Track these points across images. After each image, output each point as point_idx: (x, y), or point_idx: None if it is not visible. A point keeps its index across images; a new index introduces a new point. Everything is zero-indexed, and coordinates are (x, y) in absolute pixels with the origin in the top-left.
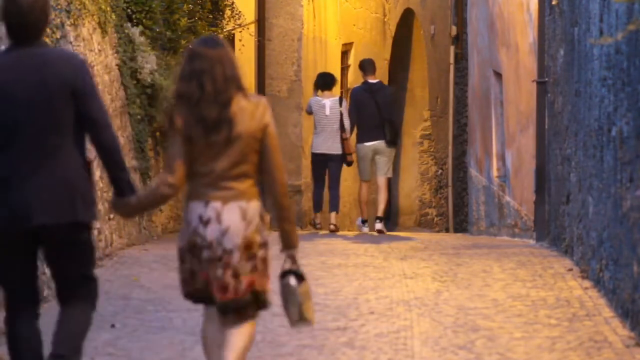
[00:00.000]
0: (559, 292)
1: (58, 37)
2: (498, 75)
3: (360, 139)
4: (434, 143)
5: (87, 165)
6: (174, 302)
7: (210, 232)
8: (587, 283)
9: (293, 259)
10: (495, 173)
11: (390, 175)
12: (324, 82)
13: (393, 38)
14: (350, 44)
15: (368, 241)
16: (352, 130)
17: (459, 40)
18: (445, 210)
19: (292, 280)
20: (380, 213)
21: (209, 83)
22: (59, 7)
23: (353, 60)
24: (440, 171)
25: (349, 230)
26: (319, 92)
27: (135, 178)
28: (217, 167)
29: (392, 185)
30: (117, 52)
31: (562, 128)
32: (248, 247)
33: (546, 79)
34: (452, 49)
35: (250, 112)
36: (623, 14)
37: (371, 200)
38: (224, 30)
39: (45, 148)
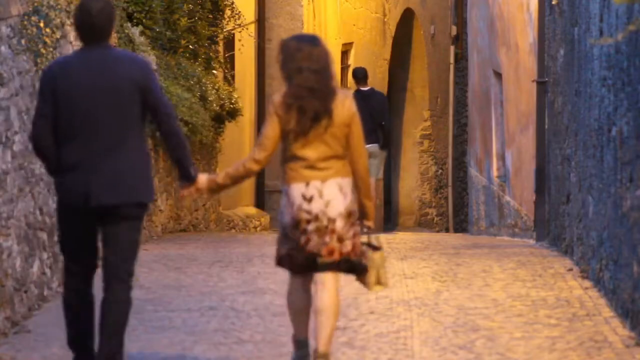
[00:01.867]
0: (559, 292)
1: (58, 37)
2: (498, 75)
3: None
4: (434, 143)
5: (148, 154)
6: (174, 302)
7: (315, 206)
8: (587, 283)
9: (370, 230)
10: (495, 173)
11: (380, 176)
12: None
13: (393, 38)
14: (350, 44)
15: None
16: None
17: (459, 40)
18: (445, 210)
19: (370, 249)
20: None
21: (317, 81)
22: (59, 7)
23: (353, 60)
24: (440, 171)
25: None
26: None
27: None
28: (315, 151)
29: (392, 185)
30: None
31: (562, 128)
32: (349, 216)
33: (546, 79)
34: (452, 49)
35: (341, 102)
36: (623, 14)
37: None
38: (224, 30)
39: (113, 137)
